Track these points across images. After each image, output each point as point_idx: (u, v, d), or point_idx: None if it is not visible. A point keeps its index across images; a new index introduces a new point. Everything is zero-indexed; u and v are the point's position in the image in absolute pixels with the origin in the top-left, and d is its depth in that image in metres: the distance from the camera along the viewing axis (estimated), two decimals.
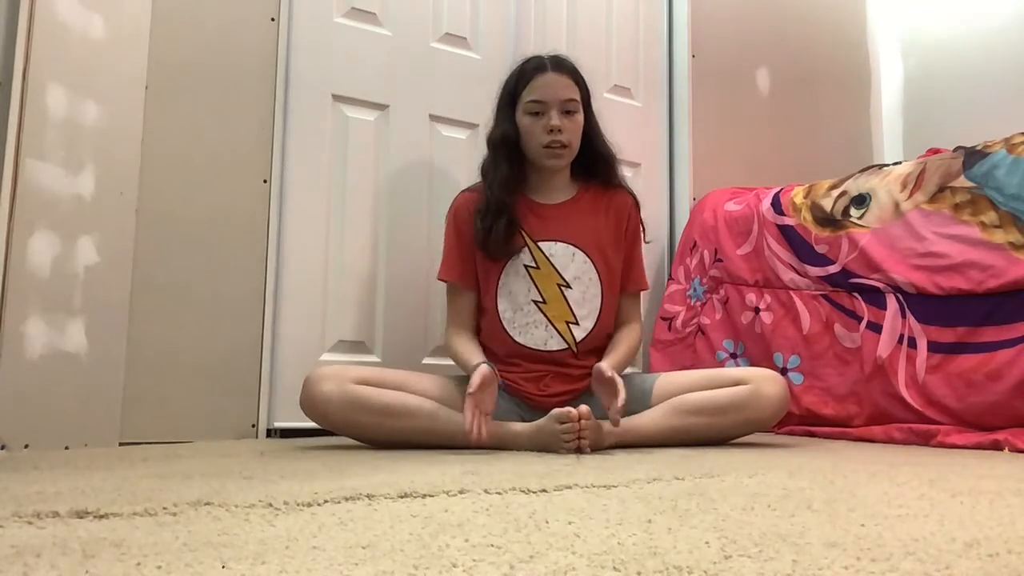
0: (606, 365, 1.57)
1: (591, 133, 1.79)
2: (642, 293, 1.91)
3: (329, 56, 2.05)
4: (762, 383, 1.66)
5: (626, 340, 1.78)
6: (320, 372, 1.58)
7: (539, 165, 1.77)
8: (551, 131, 1.71)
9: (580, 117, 1.75)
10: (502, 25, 2.36)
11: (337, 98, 2.06)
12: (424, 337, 2.12)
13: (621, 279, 1.84)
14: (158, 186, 1.77)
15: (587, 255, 1.77)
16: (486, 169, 1.78)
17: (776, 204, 2.27)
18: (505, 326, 1.73)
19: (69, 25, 1.59)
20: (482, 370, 1.54)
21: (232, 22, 1.91)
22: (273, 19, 1.96)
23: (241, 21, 1.92)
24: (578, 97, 1.75)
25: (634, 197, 1.86)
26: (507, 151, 1.76)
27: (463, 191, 1.85)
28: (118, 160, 1.69)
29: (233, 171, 1.89)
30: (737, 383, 1.67)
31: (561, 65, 1.75)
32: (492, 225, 1.71)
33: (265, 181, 1.92)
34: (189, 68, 1.84)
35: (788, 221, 2.22)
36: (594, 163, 1.82)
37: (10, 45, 1.50)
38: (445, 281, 1.80)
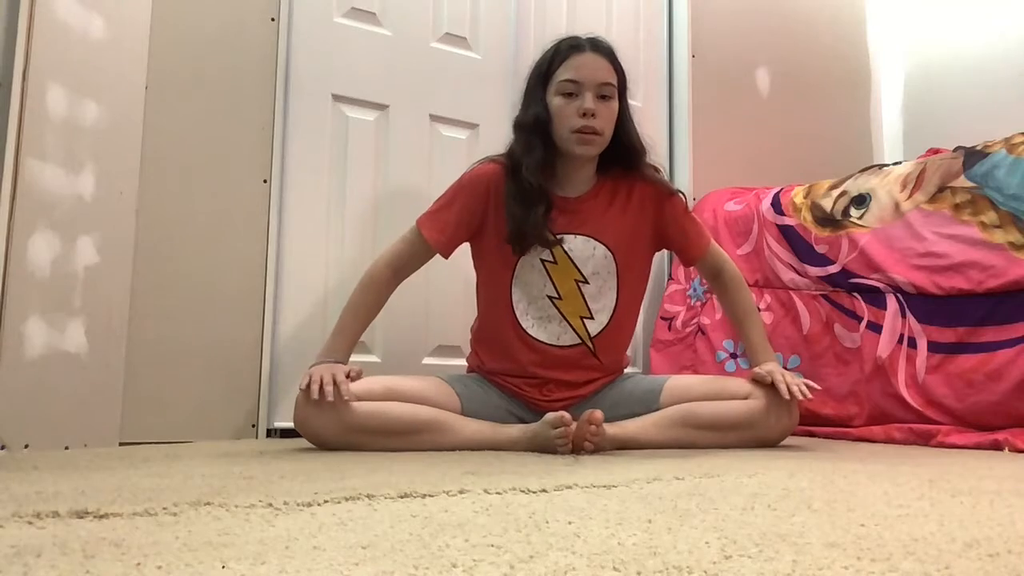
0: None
1: (623, 125, 1.69)
2: (642, 295, 1.85)
3: (329, 56, 2.05)
4: (774, 400, 1.62)
5: (743, 305, 1.79)
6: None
7: (567, 153, 1.66)
8: (584, 115, 1.60)
9: (615, 104, 1.65)
10: (502, 25, 2.36)
11: (337, 98, 2.06)
12: (424, 337, 2.12)
13: (681, 250, 1.79)
14: (158, 186, 1.77)
15: (608, 249, 1.69)
16: (516, 154, 1.66)
17: (776, 204, 2.27)
18: (518, 318, 1.67)
19: (69, 25, 1.59)
20: (344, 370, 1.51)
21: (232, 22, 1.91)
22: (273, 19, 1.96)
23: (241, 21, 1.92)
24: (615, 82, 1.65)
25: (659, 181, 1.76)
26: (540, 134, 1.64)
27: (487, 160, 1.72)
28: (118, 160, 1.69)
29: (233, 171, 1.89)
30: (748, 397, 1.63)
31: (600, 46, 1.66)
32: (529, 213, 1.61)
33: (265, 181, 1.92)
34: (189, 68, 1.84)
35: (788, 221, 2.22)
36: (621, 155, 1.71)
37: (10, 45, 1.50)
38: (423, 234, 1.67)
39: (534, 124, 1.65)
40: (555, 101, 1.64)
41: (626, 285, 1.72)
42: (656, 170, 1.76)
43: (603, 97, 1.63)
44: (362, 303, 1.66)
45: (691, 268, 2.04)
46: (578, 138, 1.63)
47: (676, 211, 1.77)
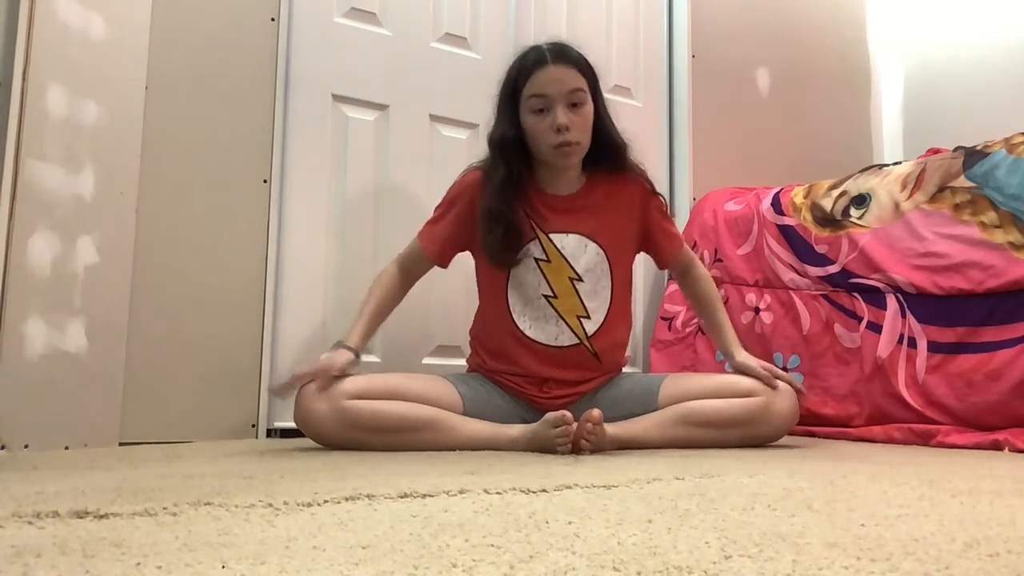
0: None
1: (601, 123, 1.68)
2: (638, 295, 1.87)
3: (329, 56, 2.05)
4: (774, 397, 1.62)
5: (707, 292, 1.82)
6: (311, 388, 1.52)
7: (550, 164, 1.68)
8: (558, 130, 1.60)
9: (589, 108, 1.64)
10: (502, 25, 2.36)
11: (337, 98, 2.06)
12: (424, 337, 2.12)
13: (661, 251, 1.80)
14: (158, 186, 1.77)
15: (599, 246, 1.70)
16: (487, 171, 1.69)
17: (776, 204, 2.27)
18: (515, 320, 1.68)
19: (69, 25, 1.59)
20: (344, 358, 1.54)
21: (232, 22, 1.91)
22: (273, 19, 1.96)
23: (241, 21, 1.92)
24: (585, 87, 1.63)
25: (644, 179, 1.76)
26: (505, 153, 1.65)
27: (473, 168, 1.74)
28: (118, 160, 1.69)
29: (233, 171, 1.89)
30: (748, 395, 1.62)
31: (564, 55, 1.63)
32: (490, 232, 1.64)
33: (265, 181, 1.92)
34: (189, 68, 1.84)
35: (788, 221, 2.22)
36: (604, 152, 1.71)
37: (10, 45, 1.50)
38: (422, 247, 1.72)
39: (499, 143, 1.66)
40: (529, 120, 1.64)
41: (619, 282, 1.74)
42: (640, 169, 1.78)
43: (574, 105, 1.62)
44: (370, 294, 1.70)
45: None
46: (557, 153, 1.64)
47: (659, 211, 1.79)
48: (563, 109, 1.61)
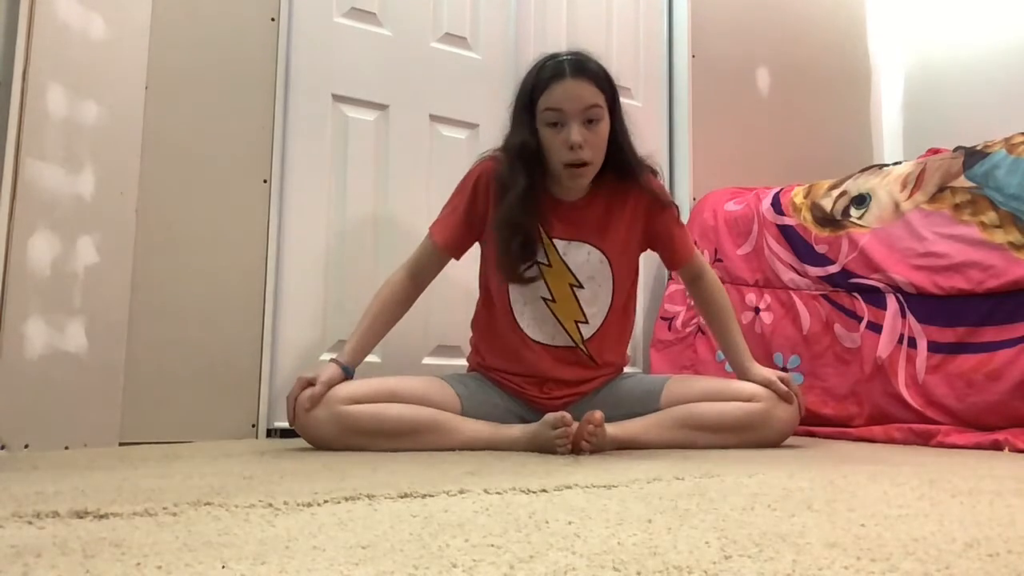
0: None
1: (616, 142, 1.62)
2: (638, 294, 1.86)
3: (329, 56, 2.05)
4: (775, 403, 1.63)
5: (719, 303, 1.77)
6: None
7: (558, 179, 1.64)
8: (571, 148, 1.55)
9: (605, 126, 1.59)
10: (502, 25, 2.36)
11: (337, 98, 2.06)
12: (424, 337, 2.12)
13: (667, 258, 1.79)
14: (158, 186, 1.77)
15: (603, 254, 1.69)
16: (503, 178, 1.63)
17: (776, 204, 2.27)
18: (516, 317, 1.68)
19: (69, 25, 1.59)
20: (328, 373, 1.54)
21: (232, 22, 1.91)
22: (273, 19, 1.96)
23: (241, 21, 1.92)
24: (602, 103, 1.57)
25: (653, 191, 1.71)
26: (525, 162, 1.60)
27: (487, 158, 1.70)
28: (118, 160, 1.69)
29: (233, 171, 1.89)
30: (749, 399, 1.62)
31: (582, 69, 1.57)
32: (507, 243, 1.61)
33: (265, 181, 1.92)
34: (189, 68, 1.84)
35: (788, 221, 2.22)
36: (617, 168, 1.66)
37: (10, 45, 1.50)
38: (434, 241, 1.69)
39: (520, 151, 1.61)
40: (544, 132, 1.59)
41: (620, 288, 1.73)
42: (654, 172, 1.73)
43: (590, 121, 1.57)
44: (373, 305, 1.68)
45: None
46: (568, 172, 1.60)
47: (669, 222, 1.75)
48: (578, 126, 1.56)
